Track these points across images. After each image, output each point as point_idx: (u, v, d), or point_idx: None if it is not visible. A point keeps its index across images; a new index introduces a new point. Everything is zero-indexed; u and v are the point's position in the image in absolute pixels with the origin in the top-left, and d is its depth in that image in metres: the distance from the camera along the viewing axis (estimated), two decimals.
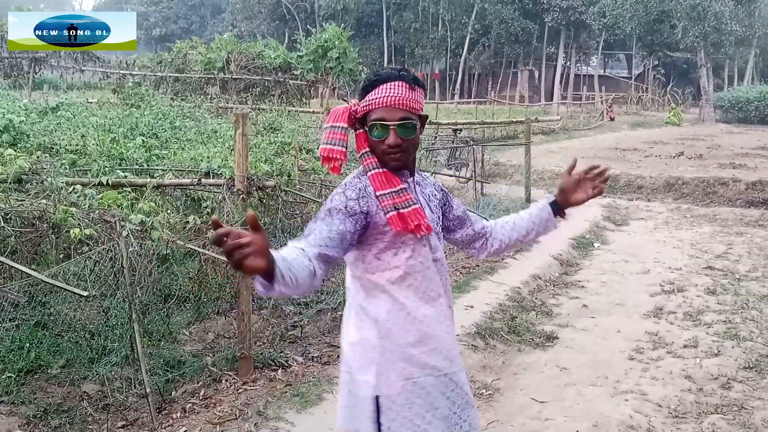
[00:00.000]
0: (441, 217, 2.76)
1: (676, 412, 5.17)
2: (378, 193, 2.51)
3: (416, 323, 2.62)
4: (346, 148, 2.55)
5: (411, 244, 2.58)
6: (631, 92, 54.82)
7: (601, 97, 46.00)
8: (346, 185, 2.56)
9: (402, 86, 2.48)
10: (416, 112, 2.52)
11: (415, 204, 2.53)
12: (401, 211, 2.50)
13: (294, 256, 2.19)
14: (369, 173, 2.54)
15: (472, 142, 15.35)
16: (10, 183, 5.13)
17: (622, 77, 66.09)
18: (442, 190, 2.83)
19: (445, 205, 2.81)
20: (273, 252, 2.04)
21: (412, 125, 2.50)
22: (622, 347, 6.51)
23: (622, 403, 5.32)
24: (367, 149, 2.54)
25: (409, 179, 2.63)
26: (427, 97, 55.52)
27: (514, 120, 24.80)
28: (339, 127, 2.53)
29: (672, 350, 6.41)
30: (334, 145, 2.53)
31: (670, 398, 5.37)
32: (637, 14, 48.18)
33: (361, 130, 2.56)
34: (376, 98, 2.48)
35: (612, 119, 38.46)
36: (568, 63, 64.59)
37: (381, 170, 2.53)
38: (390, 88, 2.48)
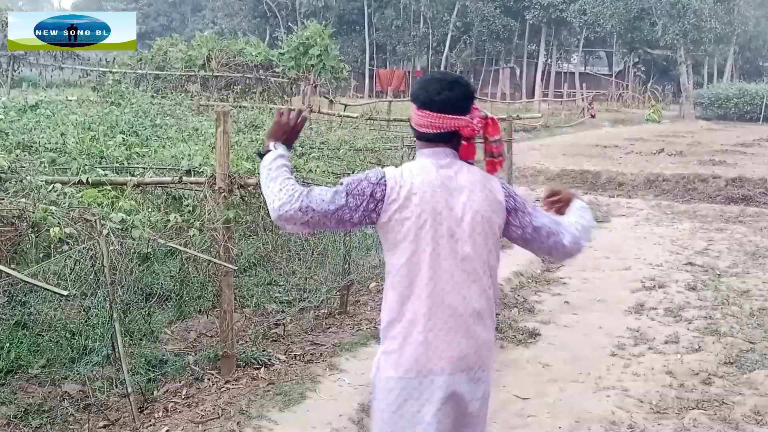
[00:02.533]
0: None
1: (658, 407, 5.20)
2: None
3: None
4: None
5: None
6: (612, 89, 55.07)
7: (582, 95, 46.18)
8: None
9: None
10: None
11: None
12: None
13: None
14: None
15: None
16: None
17: (603, 75, 66.37)
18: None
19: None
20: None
21: None
22: (603, 343, 6.54)
23: (604, 399, 5.35)
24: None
25: None
26: (409, 94, 55.59)
27: (496, 117, 24.84)
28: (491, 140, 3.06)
29: (653, 346, 6.46)
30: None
31: (651, 394, 5.41)
32: (618, 12, 48.44)
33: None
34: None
35: (593, 116, 38.62)
36: (549, 60, 64.77)
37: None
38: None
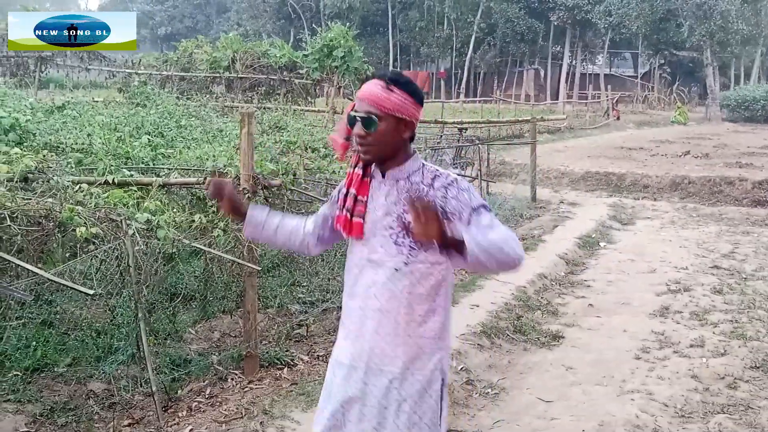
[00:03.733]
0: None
1: (683, 411, 5.16)
2: (342, 190, 2.80)
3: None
4: (345, 139, 2.74)
5: (353, 240, 2.81)
6: (637, 91, 54.70)
7: (607, 96, 45.92)
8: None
9: (377, 84, 2.62)
10: (387, 110, 2.59)
11: (348, 210, 2.74)
12: (344, 212, 2.76)
13: (288, 222, 3.02)
14: (351, 168, 2.78)
15: (477, 141, 15.33)
16: (17, 182, 5.13)
17: (628, 76, 65.99)
18: (449, 197, 2.61)
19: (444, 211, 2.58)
20: (256, 212, 2.98)
21: (373, 121, 2.59)
22: (628, 347, 6.49)
23: (628, 402, 5.31)
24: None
25: (379, 178, 2.73)
26: (432, 96, 55.49)
27: (520, 119, 24.75)
28: (341, 118, 2.75)
29: (678, 350, 6.40)
30: (336, 134, 2.78)
31: (676, 398, 5.36)
32: (643, 13, 48.15)
33: None
34: (358, 93, 2.66)
35: (617, 118, 38.39)
36: (574, 62, 64.46)
37: (355, 170, 2.75)
38: (367, 85, 2.65)
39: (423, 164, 2.73)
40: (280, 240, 3.02)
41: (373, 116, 2.59)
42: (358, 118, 2.61)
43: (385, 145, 2.65)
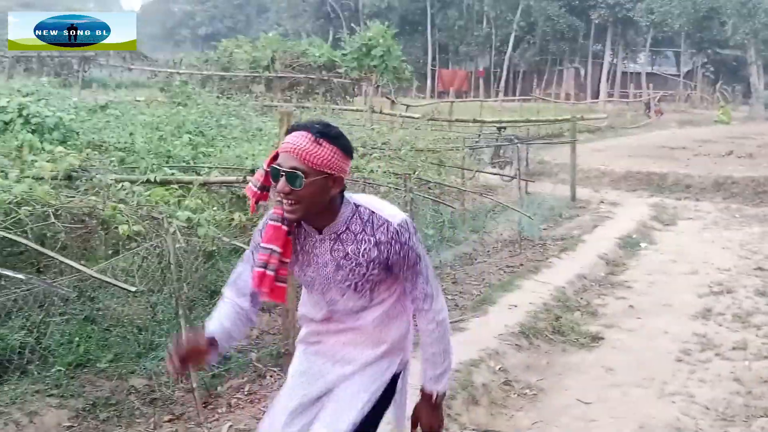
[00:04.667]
0: (378, 272, 2.61)
1: (725, 414, 5.08)
2: (262, 245, 2.60)
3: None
4: (258, 189, 2.62)
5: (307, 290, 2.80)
6: (680, 90, 53.99)
7: (649, 95, 45.40)
8: (262, 223, 2.68)
9: (304, 137, 2.43)
10: (314, 166, 2.42)
11: (273, 271, 2.58)
12: (265, 270, 2.59)
13: (232, 318, 2.73)
14: (268, 221, 2.60)
15: (516, 141, 15.25)
16: (61, 180, 5.23)
17: (671, 75, 65.11)
18: (390, 248, 2.58)
19: (387, 261, 2.61)
20: (214, 331, 2.66)
21: (299, 176, 2.40)
22: (669, 348, 6.42)
23: (668, 405, 5.24)
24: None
25: (316, 236, 2.61)
26: (471, 95, 55.30)
27: (560, 118, 24.58)
28: (262, 168, 2.57)
29: (720, 352, 6.31)
30: (253, 185, 2.62)
31: (718, 401, 5.28)
32: (686, 11, 47.53)
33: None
34: (282, 144, 2.48)
35: (659, 115, 37.93)
36: (615, 60, 63.78)
37: (278, 224, 2.57)
38: (293, 137, 2.45)
39: (355, 205, 2.60)
40: (238, 336, 2.81)
41: (299, 172, 2.41)
42: (282, 173, 2.42)
43: (312, 203, 2.48)
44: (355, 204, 2.60)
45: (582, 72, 64.57)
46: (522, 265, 8.97)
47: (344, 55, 26.75)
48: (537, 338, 6.53)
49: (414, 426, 2.82)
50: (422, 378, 2.79)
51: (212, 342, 2.61)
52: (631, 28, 60.71)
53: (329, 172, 2.45)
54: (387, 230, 2.56)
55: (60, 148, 5.88)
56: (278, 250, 2.57)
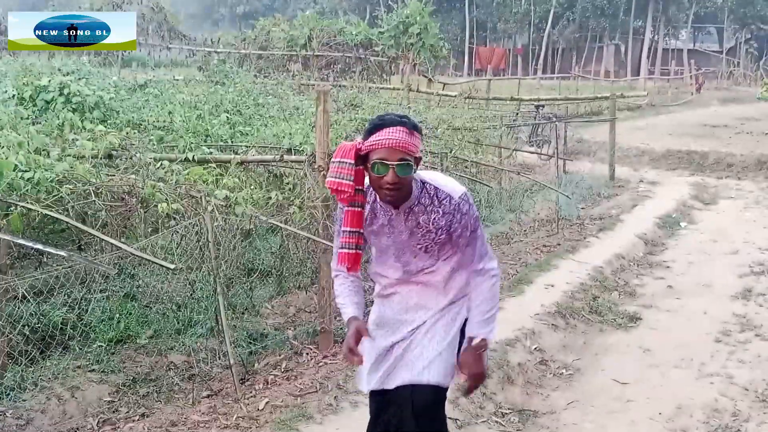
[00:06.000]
0: (445, 236, 3.06)
1: (764, 396, 5.03)
2: (344, 229, 3.02)
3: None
4: (353, 181, 2.89)
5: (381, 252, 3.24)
6: (722, 67, 52.99)
7: (690, 73, 44.63)
8: (340, 209, 3.11)
9: (402, 131, 2.82)
10: (413, 154, 2.84)
11: (353, 248, 3.04)
12: (349, 251, 3.05)
13: (358, 291, 3.26)
14: (346, 208, 3.00)
15: (554, 119, 15.10)
16: (101, 158, 5.29)
17: (713, 51, 63.93)
18: (453, 218, 3.02)
19: (450, 229, 3.04)
20: (356, 313, 3.17)
21: (409, 165, 2.83)
22: (708, 329, 6.35)
23: (707, 385, 5.20)
24: (361, 187, 2.94)
25: (392, 210, 3.03)
26: (509, 72, 54.82)
27: (599, 96, 24.25)
28: (346, 162, 2.86)
29: (760, 333, 6.23)
30: (343, 179, 2.87)
31: (757, 382, 5.23)
32: None
33: (361, 167, 2.91)
34: (379, 140, 2.82)
35: (699, 89, 37.31)
36: (656, 37, 62.73)
37: (357, 209, 2.98)
38: (392, 132, 2.81)
39: (421, 182, 3.02)
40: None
41: (409, 162, 2.84)
42: (393, 166, 2.81)
43: (408, 186, 2.95)
44: (421, 181, 3.03)
45: (622, 49, 63.61)
46: (559, 244, 8.92)
47: (381, 33, 26.61)
48: (574, 318, 6.50)
49: (461, 372, 3.12)
50: (469, 326, 3.13)
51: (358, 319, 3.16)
52: (672, 4, 59.64)
53: (419, 156, 2.91)
54: (450, 203, 3.01)
55: (100, 127, 5.94)
56: (360, 231, 3.01)
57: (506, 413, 4.74)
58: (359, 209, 2.98)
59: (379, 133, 2.83)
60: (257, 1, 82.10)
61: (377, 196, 3.00)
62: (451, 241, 3.09)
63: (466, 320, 3.18)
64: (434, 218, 3.01)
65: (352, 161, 2.86)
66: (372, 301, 3.42)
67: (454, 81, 28.97)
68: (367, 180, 2.96)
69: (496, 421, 4.57)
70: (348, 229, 3.00)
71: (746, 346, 5.96)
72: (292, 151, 6.01)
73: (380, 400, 3.24)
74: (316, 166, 5.36)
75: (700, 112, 28.84)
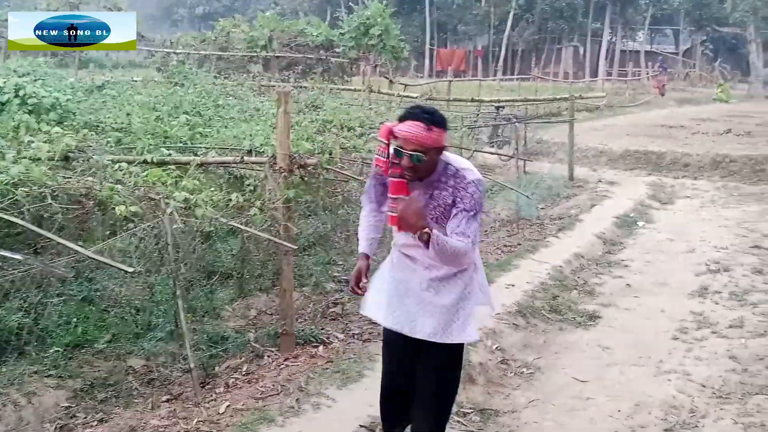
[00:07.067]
0: (446, 210, 3.43)
1: (720, 392, 5.12)
2: (391, 195, 3.45)
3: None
4: (387, 156, 3.43)
5: None
6: (679, 68, 53.77)
7: (647, 74, 45.17)
8: (373, 172, 3.72)
9: (419, 126, 3.25)
10: (429, 146, 3.28)
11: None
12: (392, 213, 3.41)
13: (377, 227, 3.80)
14: (390, 179, 3.44)
15: (514, 120, 15.20)
16: (57, 160, 5.21)
17: (669, 53, 64.80)
18: (458, 197, 3.39)
19: (454, 201, 3.40)
20: (369, 250, 3.75)
21: (420, 157, 3.27)
22: (665, 327, 6.45)
23: (665, 383, 5.28)
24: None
25: (418, 182, 3.40)
26: (470, 74, 55.06)
27: (558, 97, 24.46)
28: (382, 141, 3.42)
29: (717, 330, 6.34)
30: (379, 155, 3.49)
31: (714, 379, 5.32)
32: None
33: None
34: (400, 130, 3.29)
35: (662, 94, 37.80)
36: (614, 39, 63.41)
37: (400, 180, 3.40)
38: (410, 126, 3.26)
39: (446, 162, 3.42)
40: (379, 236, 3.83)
41: (420, 153, 3.26)
42: (407, 154, 3.27)
43: (427, 170, 3.37)
44: (446, 162, 3.42)
45: (581, 50, 64.18)
46: (519, 244, 8.99)
47: (342, 34, 26.64)
48: (534, 317, 6.56)
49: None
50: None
51: (367, 257, 3.73)
52: (630, 6, 60.31)
53: (437, 146, 3.31)
54: (463, 182, 3.38)
55: (57, 129, 5.84)
56: (406, 197, 3.32)
57: (468, 412, 4.77)
58: (402, 180, 3.39)
59: (403, 124, 3.28)
60: (217, 1, 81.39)
61: None
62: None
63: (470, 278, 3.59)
64: (445, 194, 3.40)
65: (386, 141, 3.39)
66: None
67: (415, 82, 29.00)
68: None
69: (458, 421, 4.59)
70: (393, 195, 3.41)
71: (703, 343, 6.06)
72: (253, 152, 5.97)
73: (396, 338, 3.63)
74: (277, 168, 5.34)
75: (657, 112, 29.26)
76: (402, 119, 3.31)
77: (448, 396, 3.65)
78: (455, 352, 3.60)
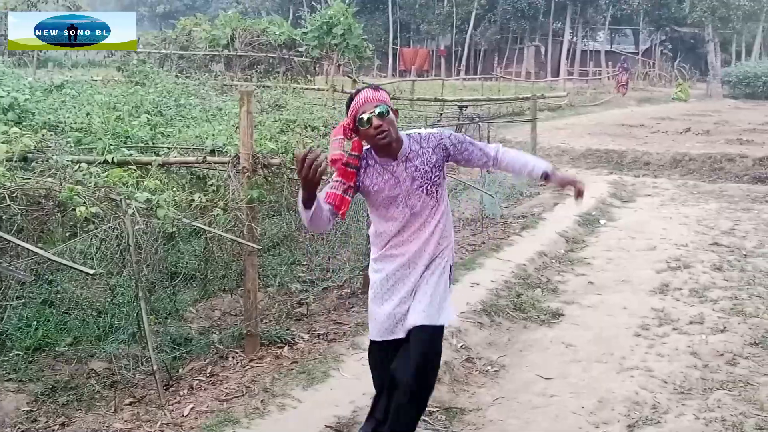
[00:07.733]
0: (439, 173, 3.77)
1: (682, 388, 5.18)
2: (334, 178, 3.65)
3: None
4: (344, 151, 3.61)
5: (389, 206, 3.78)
6: (638, 68, 54.46)
7: (608, 73, 45.64)
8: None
9: (368, 90, 3.63)
10: (387, 102, 3.61)
11: (339, 191, 3.61)
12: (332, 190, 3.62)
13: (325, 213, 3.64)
14: (342, 166, 3.61)
15: (477, 119, 15.27)
16: (16, 161, 5.12)
17: (629, 53, 65.56)
18: (442, 147, 3.78)
19: (448, 156, 3.80)
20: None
21: (385, 108, 3.56)
22: (628, 324, 6.51)
23: (627, 379, 5.33)
24: (356, 153, 3.63)
25: (393, 163, 3.70)
26: (433, 73, 55.22)
27: (520, 96, 24.63)
28: (338, 138, 3.61)
29: (678, 327, 6.42)
30: (335, 150, 3.59)
31: (675, 374, 5.38)
32: None
33: (356, 138, 3.63)
34: (355, 104, 3.59)
35: (624, 87, 38.27)
36: (575, 38, 64.04)
37: (351, 170, 3.62)
38: (362, 94, 3.61)
39: (407, 135, 3.76)
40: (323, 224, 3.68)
41: (383, 105, 3.55)
42: (375, 113, 3.51)
43: (394, 128, 3.60)
44: (407, 134, 3.76)
45: (542, 50, 64.74)
46: (484, 243, 9.03)
47: (305, 33, 26.56)
48: (499, 316, 6.59)
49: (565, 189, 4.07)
50: (536, 170, 3.89)
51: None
52: (590, 6, 60.97)
53: (392, 106, 3.66)
54: (434, 138, 3.78)
55: (15, 129, 5.75)
56: (350, 184, 3.61)
57: (433, 411, 4.77)
58: (352, 169, 3.60)
59: (353, 103, 3.60)
60: (178, 0, 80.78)
61: (377, 158, 3.69)
62: (442, 180, 3.79)
63: (451, 266, 3.97)
64: (426, 158, 3.71)
65: (342, 136, 3.59)
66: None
67: (379, 82, 29.01)
68: (365, 146, 3.68)
69: (424, 420, 4.59)
70: (339, 179, 3.59)
71: (664, 339, 6.13)
72: (216, 152, 5.92)
73: (386, 346, 3.85)
74: (240, 168, 5.31)
75: (617, 112, 29.63)
76: (348, 105, 3.65)
77: (434, 359, 3.83)
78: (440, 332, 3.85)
